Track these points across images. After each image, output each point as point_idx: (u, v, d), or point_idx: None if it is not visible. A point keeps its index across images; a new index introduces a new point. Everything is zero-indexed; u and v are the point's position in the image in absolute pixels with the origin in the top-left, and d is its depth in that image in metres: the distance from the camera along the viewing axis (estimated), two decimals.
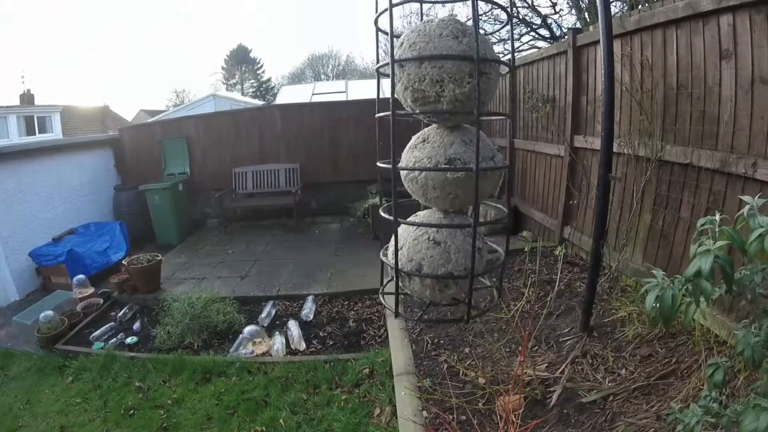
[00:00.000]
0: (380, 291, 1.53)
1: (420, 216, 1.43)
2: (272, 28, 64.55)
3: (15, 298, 4.88)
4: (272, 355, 3.34)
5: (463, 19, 1.36)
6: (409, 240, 1.34)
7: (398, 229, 1.30)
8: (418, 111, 1.26)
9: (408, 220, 1.38)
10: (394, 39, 1.26)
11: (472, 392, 2.15)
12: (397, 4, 1.24)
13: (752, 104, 1.96)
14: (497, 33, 9.22)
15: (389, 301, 1.49)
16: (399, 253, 1.31)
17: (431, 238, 1.30)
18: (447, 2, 1.72)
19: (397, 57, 1.22)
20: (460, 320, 1.39)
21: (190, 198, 6.87)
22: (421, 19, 1.39)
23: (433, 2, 1.65)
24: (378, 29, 1.38)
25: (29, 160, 5.43)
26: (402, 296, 1.41)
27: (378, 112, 1.33)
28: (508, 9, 1.40)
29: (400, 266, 1.31)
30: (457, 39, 1.18)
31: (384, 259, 1.42)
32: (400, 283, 1.37)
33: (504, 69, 1.36)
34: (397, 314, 1.39)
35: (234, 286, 4.62)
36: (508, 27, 1.37)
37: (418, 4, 1.59)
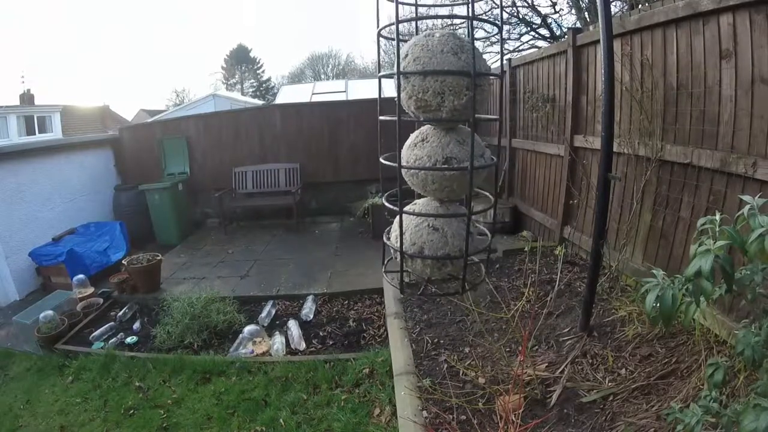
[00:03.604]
0: (383, 268, 1.72)
1: (419, 204, 1.59)
2: (272, 28, 64.43)
3: (15, 298, 4.88)
4: (272, 355, 3.35)
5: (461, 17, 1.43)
6: (411, 227, 1.49)
7: (400, 217, 1.48)
8: (421, 118, 1.40)
9: (412, 210, 1.53)
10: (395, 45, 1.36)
11: (472, 392, 2.15)
12: (402, 21, 1.34)
13: (752, 104, 1.96)
14: (495, 35, 9.22)
15: (390, 277, 1.68)
16: (402, 237, 1.48)
17: (431, 225, 1.47)
18: (444, 18, 1.76)
19: (402, 68, 1.34)
20: (456, 293, 1.60)
21: (190, 198, 6.87)
22: (416, 32, 1.49)
23: (433, 17, 1.70)
24: (380, 36, 1.47)
25: (29, 160, 5.44)
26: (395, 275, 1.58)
27: (379, 113, 1.45)
28: (499, 24, 1.46)
29: (404, 249, 1.47)
30: (456, 56, 1.30)
31: (387, 242, 1.57)
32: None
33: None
34: (402, 290, 1.60)
35: (234, 285, 4.62)
36: (506, 31, 1.42)
37: (415, 3, 1.64)
